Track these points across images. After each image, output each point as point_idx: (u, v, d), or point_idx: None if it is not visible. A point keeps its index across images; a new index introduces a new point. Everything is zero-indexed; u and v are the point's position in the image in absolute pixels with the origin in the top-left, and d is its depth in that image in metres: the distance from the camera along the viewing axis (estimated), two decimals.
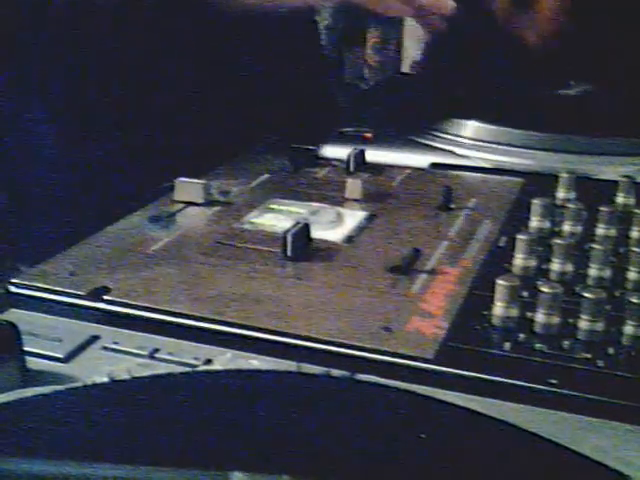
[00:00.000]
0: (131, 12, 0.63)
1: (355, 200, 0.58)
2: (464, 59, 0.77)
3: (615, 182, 0.58)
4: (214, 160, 0.66)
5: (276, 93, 0.80)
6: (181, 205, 0.56)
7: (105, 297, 0.43)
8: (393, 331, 0.40)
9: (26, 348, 0.37)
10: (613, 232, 0.51)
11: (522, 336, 0.40)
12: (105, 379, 0.34)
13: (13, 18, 0.59)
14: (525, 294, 0.43)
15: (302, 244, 0.48)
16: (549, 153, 0.68)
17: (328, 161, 0.68)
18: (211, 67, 0.74)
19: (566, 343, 0.39)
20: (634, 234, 0.51)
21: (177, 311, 0.42)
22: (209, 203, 0.57)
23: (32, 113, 0.63)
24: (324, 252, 0.49)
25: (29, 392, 0.33)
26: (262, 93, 0.78)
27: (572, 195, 0.58)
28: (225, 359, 0.37)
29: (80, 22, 0.63)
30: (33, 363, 0.37)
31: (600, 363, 0.38)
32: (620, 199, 0.57)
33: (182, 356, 0.38)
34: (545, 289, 0.40)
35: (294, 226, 0.49)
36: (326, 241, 0.51)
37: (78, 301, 0.43)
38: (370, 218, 0.55)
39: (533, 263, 0.47)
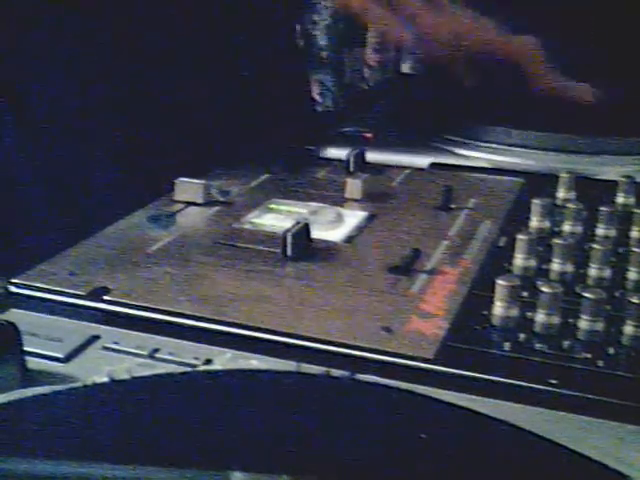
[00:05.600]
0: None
1: (355, 200, 0.58)
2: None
3: (615, 182, 0.58)
4: (214, 160, 0.66)
5: (275, 93, 0.80)
6: (181, 205, 0.57)
7: (105, 297, 0.43)
8: (393, 331, 0.40)
9: (26, 348, 0.36)
10: (613, 232, 0.51)
11: (522, 336, 0.40)
12: (105, 379, 0.34)
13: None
14: (525, 294, 0.43)
15: (302, 244, 0.48)
16: (549, 153, 0.68)
17: (328, 161, 0.68)
18: (211, 67, 0.74)
19: (566, 343, 0.39)
20: (634, 234, 0.51)
21: (177, 311, 0.42)
22: (209, 203, 0.57)
23: (31, 111, 0.63)
24: (324, 252, 0.49)
25: (29, 392, 0.33)
26: (262, 93, 0.78)
27: (572, 195, 0.58)
28: (225, 359, 0.37)
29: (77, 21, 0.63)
30: (33, 363, 0.37)
31: (600, 363, 0.38)
32: (620, 199, 0.57)
33: (182, 356, 0.38)
34: (545, 289, 0.40)
35: (294, 226, 0.49)
36: (326, 241, 0.51)
37: (78, 301, 0.43)
38: (370, 218, 0.55)
39: (533, 263, 0.47)
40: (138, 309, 0.42)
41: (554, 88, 0.74)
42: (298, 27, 0.94)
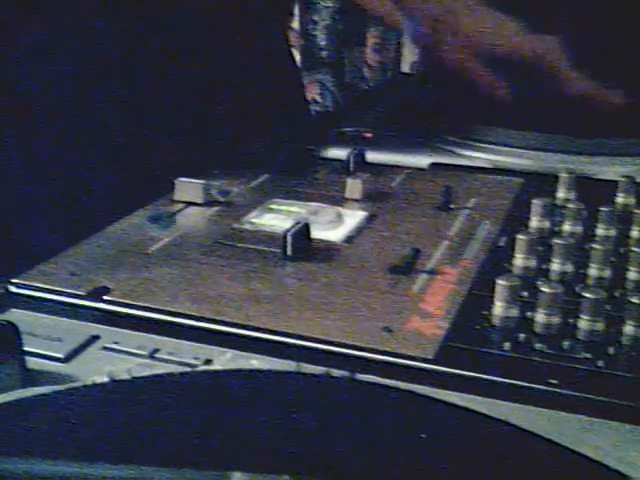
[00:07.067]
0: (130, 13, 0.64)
1: (355, 200, 0.58)
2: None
3: (615, 182, 0.58)
4: (214, 160, 0.66)
5: (275, 93, 0.80)
6: (181, 205, 0.56)
7: (105, 297, 0.43)
8: (393, 331, 0.40)
9: (26, 348, 0.36)
10: (613, 232, 0.51)
11: (522, 336, 0.40)
12: (105, 379, 0.34)
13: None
14: (525, 294, 0.43)
15: (302, 244, 0.48)
16: (549, 153, 0.68)
17: (328, 161, 0.68)
18: (211, 67, 0.74)
19: (566, 343, 0.39)
20: (634, 234, 0.51)
21: (177, 311, 0.42)
22: (209, 203, 0.57)
23: (31, 111, 0.63)
24: (324, 252, 0.49)
25: (29, 392, 0.33)
26: (262, 93, 0.78)
27: (572, 195, 0.58)
28: (225, 359, 0.37)
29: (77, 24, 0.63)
30: (33, 363, 0.37)
31: (600, 363, 0.38)
32: (620, 199, 0.57)
33: (182, 356, 0.38)
34: (545, 289, 0.40)
35: (294, 226, 0.49)
36: (326, 241, 0.51)
37: (78, 301, 0.43)
38: (370, 218, 0.55)
39: (533, 263, 0.47)
40: (138, 309, 0.42)
41: (583, 92, 0.73)
42: (297, 27, 0.94)
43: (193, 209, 0.56)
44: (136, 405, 0.32)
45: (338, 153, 0.68)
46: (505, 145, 0.69)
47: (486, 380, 0.37)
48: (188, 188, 0.57)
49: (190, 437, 0.30)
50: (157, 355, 0.38)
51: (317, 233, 0.51)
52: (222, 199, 0.58)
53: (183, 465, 0.27)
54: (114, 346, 0.39)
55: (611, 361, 0.38)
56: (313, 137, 0.73)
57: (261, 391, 0.34)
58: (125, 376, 0.35)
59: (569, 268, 0.46)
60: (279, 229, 0.51)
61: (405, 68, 1.03)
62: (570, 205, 0.52)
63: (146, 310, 0.42)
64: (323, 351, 0.39)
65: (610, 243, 0.47)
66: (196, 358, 0.38)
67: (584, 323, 0.40)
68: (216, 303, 0.42)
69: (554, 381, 0.36)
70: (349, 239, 0.52)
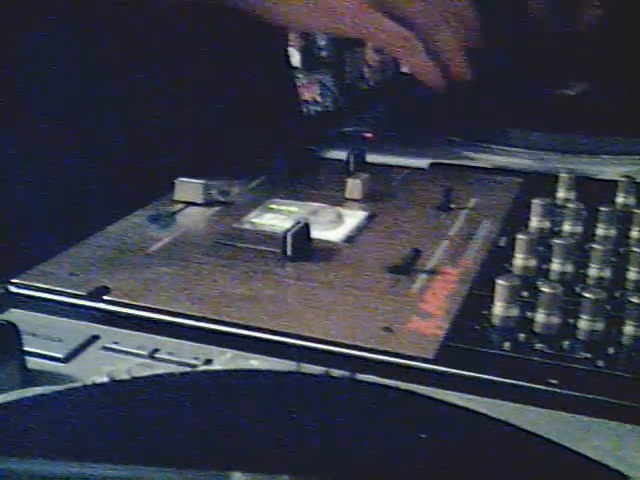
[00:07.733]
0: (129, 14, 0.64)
1: (355, 200, 0.58)
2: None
3: (615, 182, 0.58)
4: (214, 160, 0.66)
5: (275, 93, 0.80)
6: (181, 205, 0.57)
7: (105, 297, 0.43)
8: (393, 331, 0.40)
9: (26, 348, 0.36)
10: (613, 232, 0.51)
11: (522, 336, 0.40)
12: (105, 379, 0.34)
13: None
14: (525, 294, 0.43)
15: (302, 244, 0.48)
16: (549, 153, 0.68)
17: (328, 161, 0.68)
18: (210, 67, 0.74)
19: (566, 343, 0.39)
20: (634, 234, 0.51)
21: (177, 311, 0.42)
22: (209, 203, 0.57)
23: (31, 111, 0.63)
24: (324, 252, 0.49)
25: (29, 392, 0.33)
26: (262, 93, 0.78)
27: (572, 195, 0.58)
28: (225, 359, 0.37)
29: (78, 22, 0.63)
30: (33, 363, 0.37)
31: (600, 363, 0.38)
32: (620, 199, 0.57)
33: (182, 356, 0.38)
34: (545, 289, 0.40)
35: (294, 226, 0.49)
36: (326, 241, 0.51)
37: (78, 301, 0.43)
38: (370, 218, 0.55)
39: (533, 263, 0.47)
40: (138, 309, 0.42)
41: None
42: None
43: (193, 209, 0.56)
44: (136, 405, 0.32)
45: (338, 153, 0.68)
46: (505, 145, 0.69)
47: (486, 380, 0.37)
48: (188, 188, 0.57)
49: (190, 437, 0.30)
50: (157, 355, 0.38)
51: (317, 233, 0.51)
52: (222, 199, 0.58)
53: (183, 465, 0.27)
54: (114, 346, 0.39)
55: (611, 361, 0.38)
56: (313, 137, 0.73)
57: (261, 391, 0.34)
58: (125, 376, 0.35)
59: (569, 268, 0.46)
60: (279, 229, 0.51)
61: (405, 68, 1.03)
62: (570, 205, 0.52)
63: (146, 310, 0.42)
64: (323, 351, 0.39)
65: (610, 243, 0.47)
66: (196, 358, 0.38)
67: (584, 323, 0.39)
68: (216, 303, 0.42)
69: (554, 381, 0.36)
70: (349, 239, 0.52)
